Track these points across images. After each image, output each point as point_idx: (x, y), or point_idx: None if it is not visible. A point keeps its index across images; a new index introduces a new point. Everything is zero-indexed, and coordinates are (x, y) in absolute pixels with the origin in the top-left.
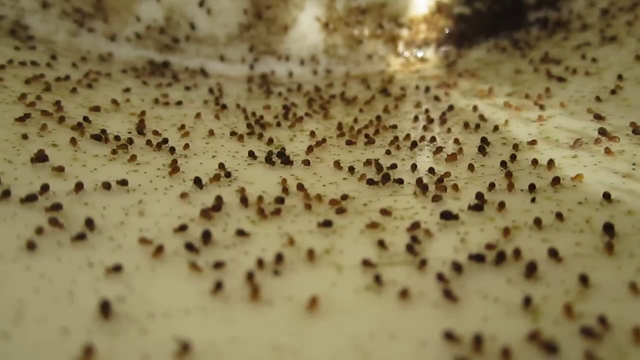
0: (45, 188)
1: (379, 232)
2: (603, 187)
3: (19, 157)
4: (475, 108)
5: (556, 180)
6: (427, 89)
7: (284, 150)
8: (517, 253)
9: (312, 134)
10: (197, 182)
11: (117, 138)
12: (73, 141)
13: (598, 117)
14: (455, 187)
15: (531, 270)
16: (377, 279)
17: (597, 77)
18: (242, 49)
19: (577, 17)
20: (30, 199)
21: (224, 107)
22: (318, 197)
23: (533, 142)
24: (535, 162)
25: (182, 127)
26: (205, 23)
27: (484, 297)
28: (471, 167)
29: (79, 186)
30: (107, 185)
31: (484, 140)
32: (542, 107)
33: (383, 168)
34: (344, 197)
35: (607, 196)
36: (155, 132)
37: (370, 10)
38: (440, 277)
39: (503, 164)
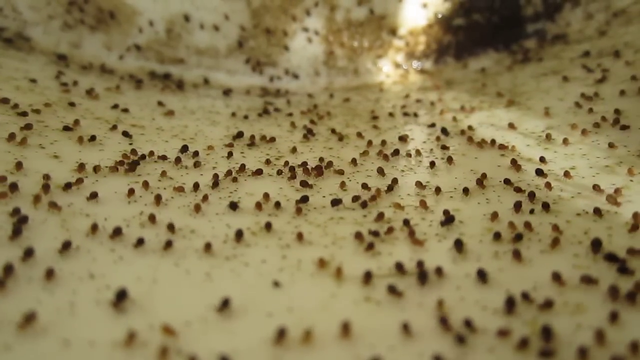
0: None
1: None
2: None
3: (20, 169)
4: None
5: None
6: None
7: (287, 163)
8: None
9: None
10: (197, 187)
11: (118, 148)
12: (75, 152)
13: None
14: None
15: None
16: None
17: (595, 88)
18: (242, 60)
19: (574, 29)
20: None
21: (233, 114)
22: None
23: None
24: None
25: (183, 138)
26: (206, 35)
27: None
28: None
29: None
30: (108, 196)
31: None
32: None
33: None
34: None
35: None
36: (156, 144)
37: (370, 22)
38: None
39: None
